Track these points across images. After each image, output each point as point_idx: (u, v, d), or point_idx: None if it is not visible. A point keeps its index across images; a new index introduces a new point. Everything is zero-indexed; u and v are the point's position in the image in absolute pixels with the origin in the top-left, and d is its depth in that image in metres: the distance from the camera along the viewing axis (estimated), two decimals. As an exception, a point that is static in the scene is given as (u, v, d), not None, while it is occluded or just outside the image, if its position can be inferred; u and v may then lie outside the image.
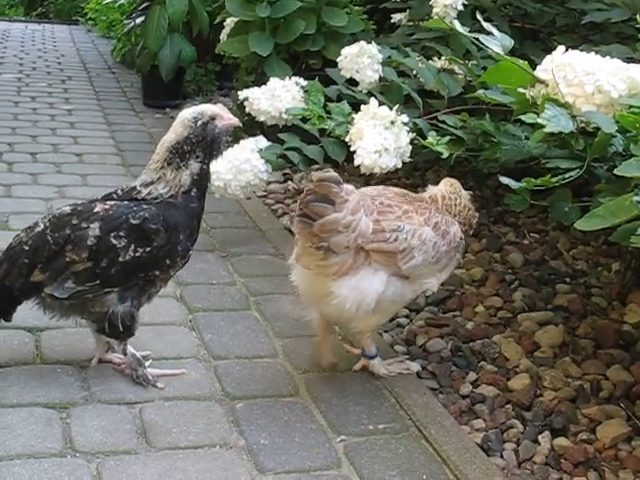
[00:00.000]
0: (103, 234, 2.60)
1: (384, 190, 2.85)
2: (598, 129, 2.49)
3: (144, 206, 2.64)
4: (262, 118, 3.90)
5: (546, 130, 2.45)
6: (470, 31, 3.07)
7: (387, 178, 4.59)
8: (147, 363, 2.81)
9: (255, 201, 4.59)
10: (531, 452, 2.56)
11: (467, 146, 3.34)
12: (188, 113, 2.67)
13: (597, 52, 2.68)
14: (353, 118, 3.39)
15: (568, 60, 2.59)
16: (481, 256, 3.86)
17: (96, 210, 2.65)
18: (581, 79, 2.52)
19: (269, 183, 4.60)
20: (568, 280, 3.61)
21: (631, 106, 2.41)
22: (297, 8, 4.95)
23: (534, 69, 2.70)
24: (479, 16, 3.07)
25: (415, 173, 4.82)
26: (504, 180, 2.57)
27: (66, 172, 5.01)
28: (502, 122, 3.21)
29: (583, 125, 2.57)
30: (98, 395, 2.66)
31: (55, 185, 4.71)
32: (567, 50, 2.66)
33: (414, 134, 3.34)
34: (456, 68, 3.93)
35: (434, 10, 4.10)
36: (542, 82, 2.67)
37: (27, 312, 2.78)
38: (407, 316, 3.37)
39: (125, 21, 7.60)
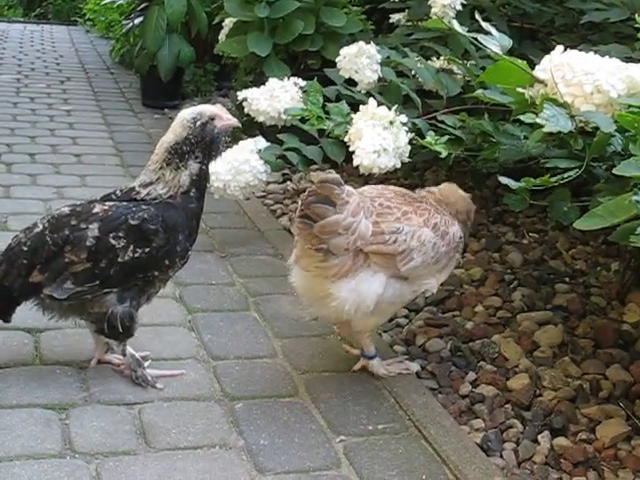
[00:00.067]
0: (102, 235, 2.60)
1: (383, 190, 2.84)
2: (597, 129, 2.49)
3: (143, 207, 2.63)
4: (261, 118, 3.90)
5: (545, 130, 2.45)
6: (469, 31, 3.07)
7: (386, 178, 4.58)
8: (146, 364, 2.80)
9: (254, 201, 4.59)
10: (531, 452, 2.56)
11: (466, 146, 3.34)
12: (187, 113, 2.67)
13: (596, 52, 2.68)
14: (352, 118, 3.39)
15: (567, 60, 2.59)
16: (480, 256, 3.86)
17: (95, 211, 2.65)
18: (580, 79, 2.52)
19: (268, 184, 4.59)
20: (567, 280, 3.61)
21: (630, 105, 2.41)
22: (296, 8, 4.95)
23: (533, 69, 2.70)
24: (478, 16, 3.07)
25: (414, 173, 4.82)
26: (503, 180, 2.56)
27: (65, 173, 5.01)
28: (501, 122, 3.21)
29: (582, 125, 2.57)
30: (97, 396, 2.66)
31: (54, 186, 4.71)
32: (566, 50, 2.66)
33: (413, 134, 3.34)
34: (455, 68, 3.93)
35: (433, 10, 4.10)
36: (541, 82, 2.67)
37: (26, 313, 2.78)
38: (406, 316, 3.37)
39: (124, 22, 7.60)
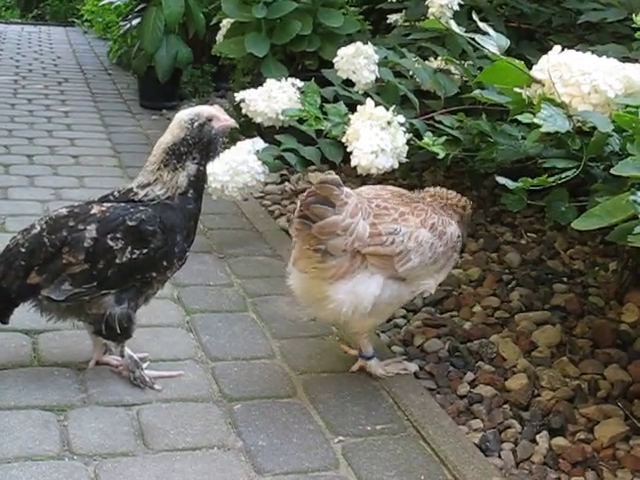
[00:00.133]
0: (100, 236, 2.60)
1: (380, 191, 2.84)
2: (594, 129, 2.49)
3: (141, 208, 2.63)
4: (259, 119, 3.90)
5: (542, 130, 2.45)
6: (466, 31, 3.06)
7: (384, 179, 4.58)
8: (144, 365, 2.80)
9: (252, 202, 4.59)
10: (529, 452, 2.56)
11: (464, 146, 3.34)
12: (184, 114, 2.67)
13: (593, 52, 2.68)
14: (349, 119, 3.39)
15: (564, 60, 2.59)
16: (478, 256, 3.86)
17: (93, 212, 2.64)
18: (577, 79, 2.52)
19: (266, 184, 4.59)
20: (565, 280, 3.61)
21: (627, 105, 2.41)
22: (293, 9, 4.95)
23: (530, 69, 2.70)
24: (475, 16, 3.07)
25: (412, 174, 4.83)
26: (501, 180, 2.56)
27: (63, 174, 5.01)
28: (498, 122, 3.21)
29: (579, 125, 2.57)
30: (95, 397, 2.66)
31: (52, 187, 4.71)
32: (563, 50, 2.66)
33: (410, 134, 3.34)
34: (452, 68, 3.93)
35: (430, 10, 4.10)
36: (538, 82, 2.67)
37: (24, 314, 2.77)
38: (404, 317, 3.37)
39: (121, 23, 7.60)
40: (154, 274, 2.68)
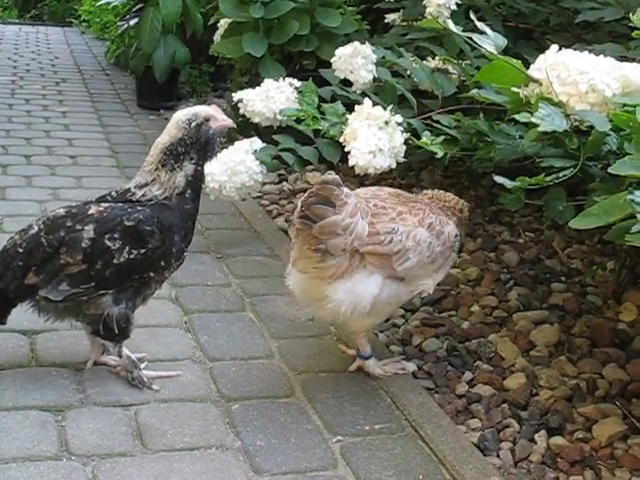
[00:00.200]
0: (97, 236, 2.60)
1: (378, 191, 2.85)
2: (592, 128, 2.49)
3: (138, 208, 2.63)
4: (256, 119, 3.90)
5: (540, 129, 2.45)
6: (464, 31, 3.07)
7: (382, 178, 4.59)
8: (142, 365, 2.80)
9: (250, 202, 4.59)
10: (527, 451, 2.56)
11: (461, 146, 3.34)
12: (182, 115, 2.67)
13: (590, 51, 2.68)
14: (347, 119, 3.39)
15: (562, 59, 2.59)
16: (476, 255, 3.86)
17: (90, 212, 2.64)
18: (575, 78, 2.52)
19: (264, 184, 4.58)
20: (563, 279, 3.61)
21: (625, 105, 2.41)
22: (291, 9, 4.95)
23: (528, 68, 2.70)
24: (472, 16, 3.07)
25: (409, 173, 4.83)
26: (498, 179, 2.57)
27: (60, 174, 5.00)
28: (496, 121, 3.21)
29: (577, 124, 2.57)
30: (93, 398, 2.66)
31: (49, 187, 4.71)
32: (560, 49, 2.66)
33: (408, 134, 3.34)
34: (450, 68, 3.93)
35: (428, 10, 4.10)
36: (536, 81, 2.67)
37: (22, 315, 2.77)
38: (403, 316, 3.37)
39: (119, 23, 7.59)
40: (152, 274, 2.67)
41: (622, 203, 2.09)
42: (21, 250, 2.64)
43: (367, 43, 3.90)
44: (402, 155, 3.32)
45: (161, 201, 2.65)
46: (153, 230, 2.61)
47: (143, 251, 2.61)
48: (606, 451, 2.55)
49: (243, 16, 5.02)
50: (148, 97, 6.98)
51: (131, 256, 2.61)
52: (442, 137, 3.23)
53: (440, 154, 3.15)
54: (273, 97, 3.81)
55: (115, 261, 2.60)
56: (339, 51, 3.89)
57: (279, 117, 3.80)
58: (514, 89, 2.73)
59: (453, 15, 4.02)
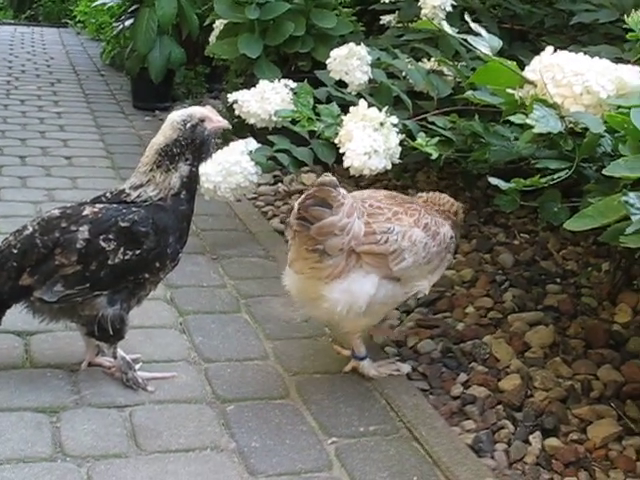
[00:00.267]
0: (92, 237, 2.59)
1: (373, 193, 2.87)
2: (587, 129, 2.49)
3: (133, 209, 2.63)
4: (252, 120, 3.89)
5: (535, 131, 2.45)
6: (459, 32, 3.07)
7: (377, 180, 4.59)
8: (137, 366, 2.80)
9: (245, 203, 4.59)
10: (522, 452, 2.56)
11: (456, 147, 3.34)
12: (177, 115, 2.67)
13: (585, 53, 2.68)
14: (342, 120, 3.39)
15: (556, 61, 2.59)
16: (471, 257, 3.86)
17: (85, 213, 2.64)
18: (569, 79, 2.53)
19: (259, 185, 4.59)
20: (558, 280, 3.62)
21: (619, 106, 2.41)
22: (286, 10, 4.94)
23: (523, 70, 2.70)
24: (468, 17, 3.07)
25: (405, 174, 4.82)
26: (493, 181, 2.57)
27: (55, 175, 5.00)
28: (491, 123, 3.21)
29: (572, 125, 2.57)
30: (88, 399, 2.66)
31: (44, 188, 4.70)
32: (555, 51, 2.67)
33: (403, 135, 3.34)
34: (445, 69, 3.93)
35: (423, 11, 4.10)
36: (531, 83, 2.67)
37: (16, 316, 2.77)
38: (397, 317, 3.37)
39: (114, 24, 7.58)
40: (147, 275, 2.67)
41: (617, 205, 2.09)
42: (15, 251, 2.64)
43: (362, 44, 3.90)
44: (397, 156, 3.31)
45: (156, 202, 2.64)
46: (148, 231, 2.61)
47: (138, 252, 2.61)
48: (601, 452, 2.55)
49: (238, 17, 5.02)
50: (143, 98, 6.97)
51: (126, 257, 2.60)
52: (437, 138, 3.24)
53: (435, 155, 3.16)
54: (268, 98, 3.81)
55: (110, 262, 2.59)
56: (334, 52, 3.89)
57: (274, 118, 3.80)
58: (509, 91, 2.73)
59: (448, 17, 4.02)
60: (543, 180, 2.52)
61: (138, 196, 2.65)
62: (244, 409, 2.67)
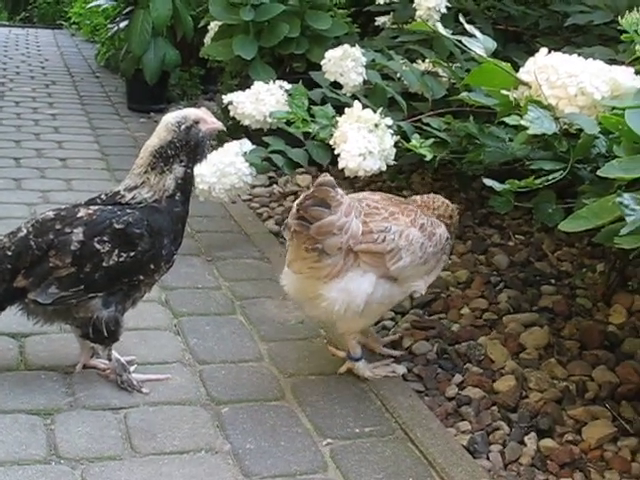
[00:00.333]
0: (87, 239, 2.59)
1: (369, 195, 2.88)
2: (581, 131, 2.50)
3: (128, 211, 2.63)
4: (246, 122, 3.90)
5: (529, 132, 2.45)
6: (453, 34, 3.07)
7: (372, 181, 4.59)
8: (132, 368, 2.79)
9: (240, 205, 4.58)
10: (517, 453, 2.56)
11: (451, 148, 3.34)
12: (171, 117, 2.67)
13: (580, 54, 2.68)
14: (337, 121, 3.39)
15: (551, 62, 2.60)
16: (466, 258, 3.86)
17: (79, 215, 2.63)
18: (564, 81, 2.53)
19: (254, 187, 4.59)
20: (553, 281, 3.62)
21: (614, 107, 2.41)
22: (281, 12, 4.95)
23: (517, 71, 2.71)
24: (462, 19, 3.08)
25: (400, 176, 4.83)
26: (488, 182, 2.57)
27: (50, 177, 4.99)
28: (486, 124, 3.22)
29: (566, 127, 2.57)
30: (83, 401, 2.65)
31: (39, 190, 4.69)
32: (550, 52, 2.67)
33: (398, 137, 3.34)
34: (440, 71, 3.94)
35: (418, 13, 4.11)
36: (525, 84, 2.67)
37: (11, 318, 2.76)
38: (392, 319, 3.37)
39: (109, 25, 7.58)
40: (141, 277, 2.67)
41: (611, 206, 2.09)
42: (10, 253, 2.63)
43: (357, 46, 3.91)
44: (392, 158, 3.32)
45: (151, 204, 2.64)
46: (142, 233, 2.60)
47: (132, 254, 2.61)
48: (596, 453, 2.55)
49: (233, 19, 5.02)
50: (138, 100, 6.97)
51: (120, 259, 2.60)
52: (432, 140, 3.24)
53: (429, 157, 3.16)
54: (263, 100, 3.81)
55: (104, 264, 2.59)
56: (329, 54, 3.89)
57: (269, 120, 3.80)
58: (504, 92, 2.73)
59: (443, 18, 4.03)
60: (538, 181, 2.53)
61: (133, 198, 2.65)
62: (239, 411, 2.67)
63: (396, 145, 3.31)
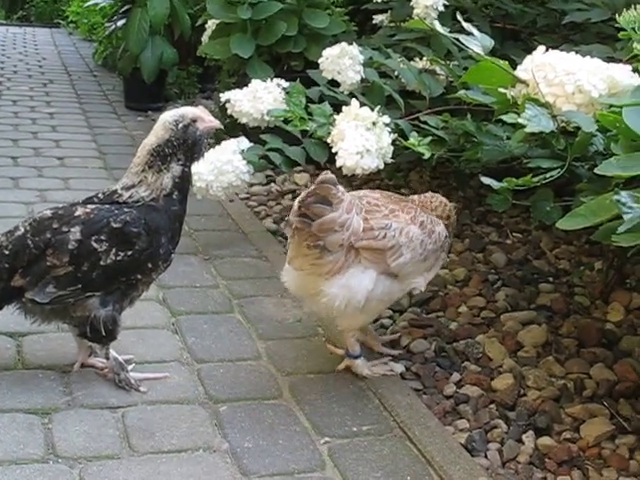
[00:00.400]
0: (84, 238, 2.59)
1: (369, 192, 2.89)
2: (579, 128, 2.50)
3: (125, 209, 2.62)
4: (244, 120, 3.89)
5: (527, 130, 2.45)
6: (451, 32, 3.07)
7: (370, 179, 4.59)
8: (130, 367, 2.79)
9: (238, 203, 4.58)
10: (515, 452, 2.56)
11: (449, 146, 3.34)
12: (169, 116, 2.66)
13: (577, 52, 2.69)
14: (335, 119, 3.39)
15: (548, 60, 2.60)
16: (464, 256, 3.86)
17: (77, 214, 2.63)
18: (561, 79, 2.53)
19: (252, 185, 4.59)
20: (551, 279, 3.62)
21: (611, 105, 2.41)
22: (278, 10, 4.94)
23: (515, 69, 2.71)
24: (459, 17, 3.08)
25: (397, 174, 4.82)
26: (486, 180, 2.57)
27: (47, 176, 4.98)
28: (483, 122, 3.22)
29: (564, 125, 2.58)
30: (80, 400, 2.65)
31: (36, 189, 4.68)
32: (547, 50, 2.67)
33: (396, 135, 3.34)
34: (437, 69, 3.94)
35: (415, 11, 4.11)
36: (523, 82, 2.68)
37: (8, 317, 2.76)
38: (390, 317, 3.37)
39: (106, 24, 7.57)
40: (139, 276, 2.67)
41: (609, 204, 2.09)
42: (7, 252, 2.63)
43: (355, 44, 3.91)
44: (390, 156, 3.32)
45: (148, 203, 2.64)
46: (140, 232, 2.60)
47: (130, 253, 2.60)
48: (594, 451, 2.55)
49: (231, 17, 5.02)
50: (136, 98, 6.96)
51: (118, 258, 2.60)
52: (429, 138, 3.24)
53: (427, 155, 3.16)
54: (261, 98, 3.80)
55: (102, 263, 2.59)
56: (327, 52, 3.89)
57: (267, 118, 3.80)
58: (501, 90, 2.74)
59: (440, 16, 4.03)
60: (535, 179, 2.53)
61: (130, 197, 2.65)
62: (237, 409, 2.67)
63: (394, 143, 3.31)
